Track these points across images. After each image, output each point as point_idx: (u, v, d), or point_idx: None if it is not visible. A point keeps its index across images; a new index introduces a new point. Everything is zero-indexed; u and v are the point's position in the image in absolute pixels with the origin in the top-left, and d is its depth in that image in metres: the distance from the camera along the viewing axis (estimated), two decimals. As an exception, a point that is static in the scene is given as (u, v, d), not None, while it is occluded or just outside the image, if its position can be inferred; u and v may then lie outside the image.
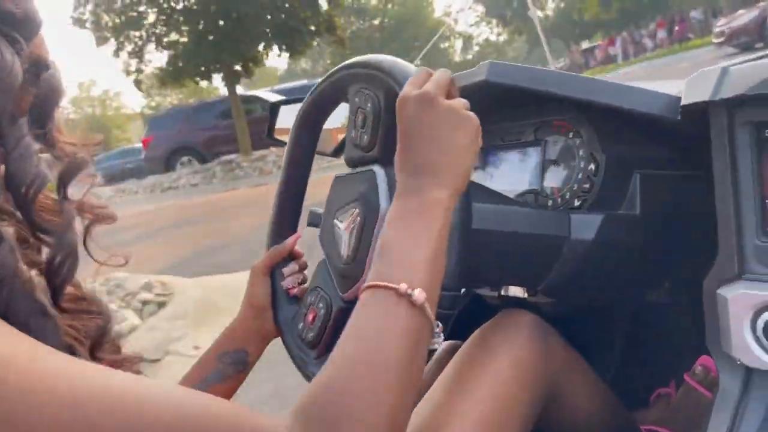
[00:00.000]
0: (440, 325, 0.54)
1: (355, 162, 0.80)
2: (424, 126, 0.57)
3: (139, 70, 13.98)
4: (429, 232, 0.53)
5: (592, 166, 0.86)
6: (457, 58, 60.50)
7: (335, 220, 0.79)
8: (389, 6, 56.26)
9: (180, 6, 13.36)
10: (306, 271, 0.91)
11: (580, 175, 0.88)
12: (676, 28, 25.93)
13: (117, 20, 13.13)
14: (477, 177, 1.04)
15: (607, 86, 0.81)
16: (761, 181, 0.64)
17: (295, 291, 0.87)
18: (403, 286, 0.49)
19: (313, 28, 13.38)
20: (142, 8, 13.35)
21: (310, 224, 0.92)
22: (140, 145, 14.84)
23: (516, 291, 0.97)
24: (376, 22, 55.45)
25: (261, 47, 13.86)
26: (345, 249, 0.75)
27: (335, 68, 0.81)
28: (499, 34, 49.00)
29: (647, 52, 26.04)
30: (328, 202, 0.83)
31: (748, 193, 0.64)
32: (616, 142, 0.86)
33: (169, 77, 13.55)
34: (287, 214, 0.90)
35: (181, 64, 13.26)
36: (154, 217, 9.43)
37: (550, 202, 0.92)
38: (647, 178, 0.83)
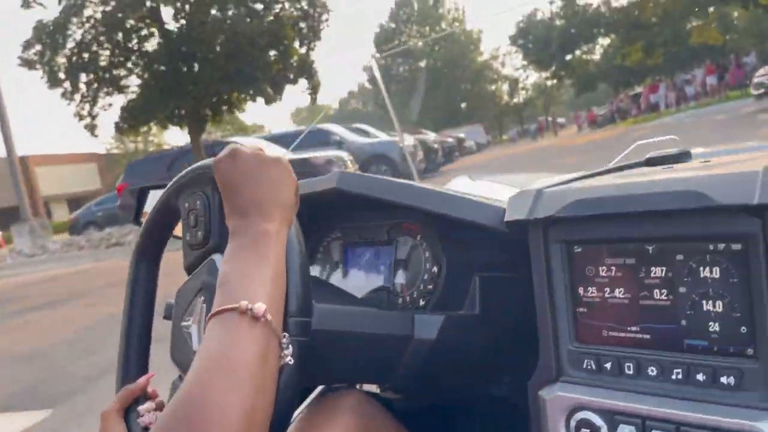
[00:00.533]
0: (287, 336, 0.57)
1: (195, 264, 0.77)
2: (238, 173, 0.63)
3: (92, 115, 13.14)
4: (262, 259, 0.57)
5: (436, 268, 0.90)
6: (504, 101, 59.19)
7: (182, 324, 0.77)
8: (436, 48, 55.73)
9: (135, 46, 12.55)
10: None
11: (425, 276, 0.91)
12: (728, 75, 24.14)
13: (67, 62, 12.36)
14: (335, 273, 1.07)
15: (441, 196, 0.86)
16: (572, 292, 0.70)
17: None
18: (243, 303, 0.53)
19: (289, 74, 12.28)
20: (94, 48, 12.61)
21: (166, 317, 0.93)
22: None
23: (370, 386, 1.00)
24: (422, 64, 55.07)
25: (229, 93, 12.82)
26: (198, 343, 0.72)
27: (163, 192, 0.82)
28: (547, 78, 47.46)
29: (688, 100, 24.27)
30: (173, 317, 0.80)
31: (561, 303, 0.70)
32: (456, 246, 0.90)
33: (125, 123, 12.72)
34: (135, 353, 0.87)
35: (135, 111, 12.37)
36: (57, 285, 8.49)
37: (400, 300, 0.95)
38: (486, 280, 0.87)
